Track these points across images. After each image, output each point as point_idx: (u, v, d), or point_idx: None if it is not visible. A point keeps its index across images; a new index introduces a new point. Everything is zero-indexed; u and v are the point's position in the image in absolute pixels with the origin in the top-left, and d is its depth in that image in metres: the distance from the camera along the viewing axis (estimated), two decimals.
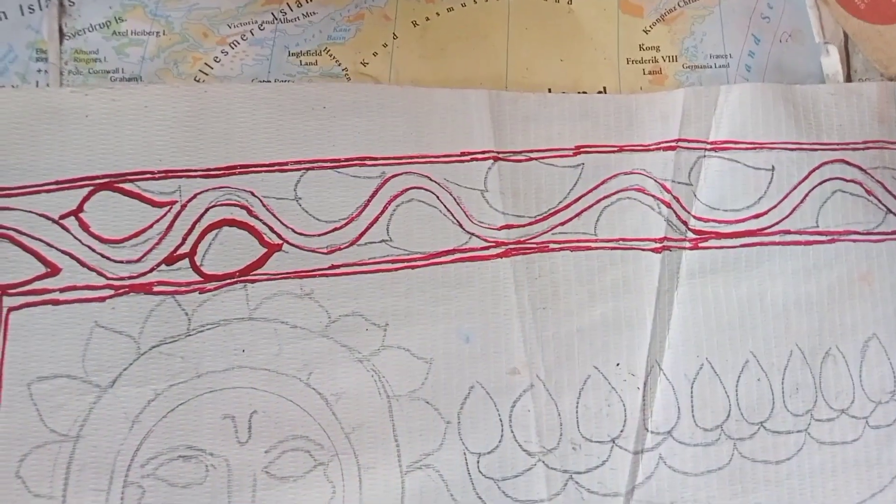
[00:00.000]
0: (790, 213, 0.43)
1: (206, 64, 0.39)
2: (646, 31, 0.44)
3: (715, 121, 0.42)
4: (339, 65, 0.40)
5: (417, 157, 0.39)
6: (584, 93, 0.42)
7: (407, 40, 0.41)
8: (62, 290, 0.36)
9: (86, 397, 0.35)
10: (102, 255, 0.36)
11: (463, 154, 0.40)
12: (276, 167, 0.38)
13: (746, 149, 0.42)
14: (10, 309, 0.35)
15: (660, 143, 0.42)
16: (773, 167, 0.43)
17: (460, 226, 0.39)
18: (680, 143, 0.42)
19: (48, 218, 0.36)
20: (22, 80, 0.38)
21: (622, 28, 0.43)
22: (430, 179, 0.39)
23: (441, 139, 0.40)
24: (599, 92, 0.42)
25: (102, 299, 0.36)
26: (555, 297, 0.40)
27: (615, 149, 0.42)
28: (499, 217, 0.40)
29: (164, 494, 0.35)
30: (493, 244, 0.39)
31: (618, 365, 0.40)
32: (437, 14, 0.42)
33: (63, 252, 0.36)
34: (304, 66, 0.40)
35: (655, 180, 0.42)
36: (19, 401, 0.35)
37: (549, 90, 0.42)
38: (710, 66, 0.44)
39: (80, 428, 0.35)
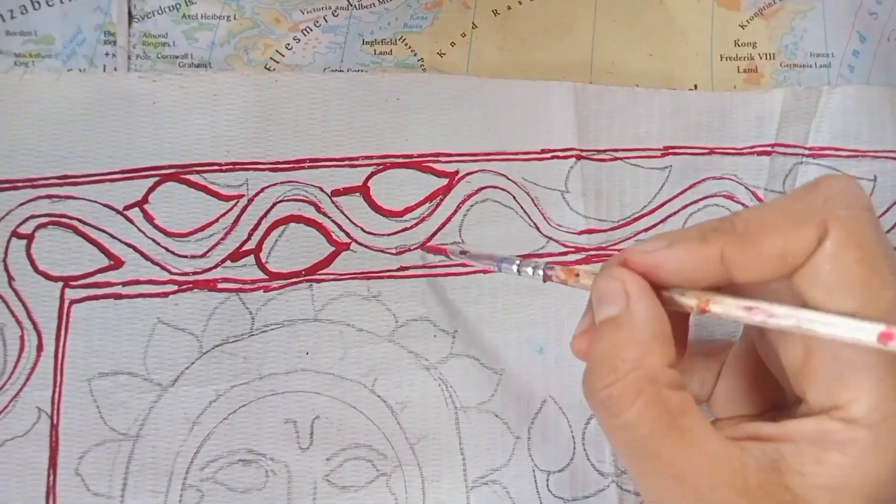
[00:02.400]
0: (890, 229, 0.39)
1: (277, 51, 0.37)
2: (742, 26, 0.40)
3: (815, 125, 0.38)
4: (415, 55, 0.38)
5: (494, 154, 0.36)
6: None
7: (487, 30, 0.38)
8: (125, 284, 0.34)
9: (146, 396, 0.33)
10: (167, 249, 0.34)
11: (543, 151, 0.37)
12: (347, 161, 0.35)
13: (847, 156, 0.38)
14: (73, 301, 0.34)
15: (754, 146, 0.38)
16: (875, 177, 0.39)
17: (537, 229, 0.36)
18: (776, 148, 0.38)
19: (112, 208, 0.34)
20: (89, 63, 0.36)
21: (717, 22, 0.40)
22: (507, 178, 0.36)
23: (520, 135, 0.36)
24: (690, 89, 0.39)
25: (166, 295, 0.34)
26: None
27: (705, 151, 0.38)
28: (579, 221, 0.36)
29: (222, 499, 0.33)
30: (573, 250, 0.36)
31: None
32: (520, 3, 0.38)
33: (127, 244, 0.34)
34: (378, 56, 0.37)
35: (746, 187, 0.38)
36: (80, 396, 0.33)
37: (637, 86, 0.38)
38: (811, 66, 0.40)
39: (140, 427, 0.33)
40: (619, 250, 0.37)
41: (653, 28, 0.39)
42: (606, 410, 0.23)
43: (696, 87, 0.39)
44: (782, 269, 0.23)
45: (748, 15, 0.40)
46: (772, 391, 0.28)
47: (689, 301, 0.24)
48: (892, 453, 0.22)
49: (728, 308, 0.23)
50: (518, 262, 0.29)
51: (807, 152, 0.38)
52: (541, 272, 0.28)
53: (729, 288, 0.24)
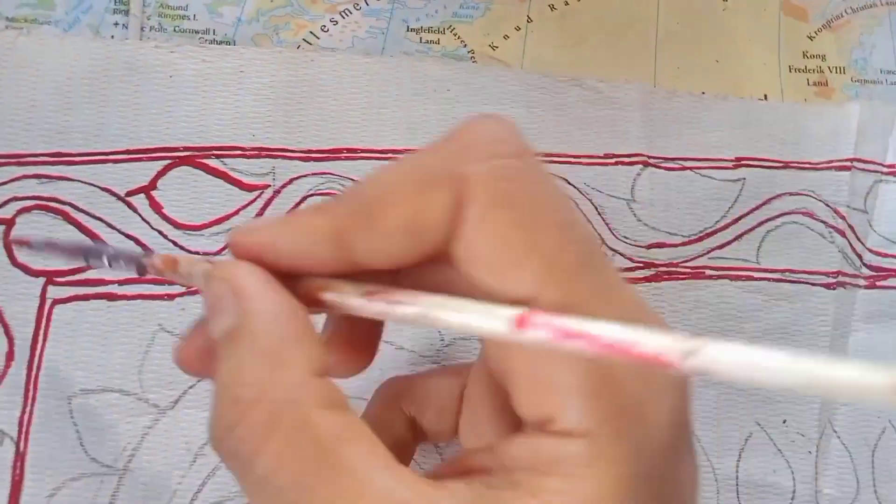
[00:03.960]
0: None
1: (311, 32, 0.32)
2: (810, 38, 0.37)
3: (892, 142, 0.35)
4: (465, 46, 0.33)
5: (554, 156, 0.32)
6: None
7: (543, 25, 0.34)
8: (121, 283, 0.28)
9: (139, 419, 0.27)
10: (175, 244, 0.28)
11: (607, 156, 0.32)
12: (390, 155, 0.30)
13: None
14: (56, 301, 0.27)
15: (831, 161, 0.34)
16: None
17: (602, 241, 0.31)
18: (855, 164, 0.34)
19: (113, 193, 0.28)
20: (95, 33, 0.31)
21: (784, 31, 0.36)
22: (568, 182, 0.32)
23: (582, 137, 0.32)
24: (760, 100, 0.35)
25: (171, 297, 0.28)
26: (711, 335, 0.31)
27: (780, 164, 0.34)
28: (648, 233, 0.32)
29: None
30: (641, 265, 0.31)
31: (784, 422, 0.31)
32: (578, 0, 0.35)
33: (127, 236, 0.28)
34: (423, 45, 0.33)
35: (826, 204, 0.34)
36: (55, 418, 0.27)
37: (703, 93, 0.34)
38: (881, 83, 0.37)
39: (130, 459, 0.27)
40: (691, 268, 0.32)
41: (718, 35, 0.36)
42: (237, 462, 0.16)
43: (765, 97, 0.35)
44: (415, 247, 0.17)
45: (816, 26, 0.37)
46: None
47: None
48: (617, 465, 0.16)
49: (345, 296, 0.17)
50: (111, 251, 0.21)
51: (885, 170, 0.34)
52: (134, 265, 0.21)
53: (384, 277, 0.18)
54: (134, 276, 0.22)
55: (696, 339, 0.14)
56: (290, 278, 0.18)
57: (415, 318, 0.17)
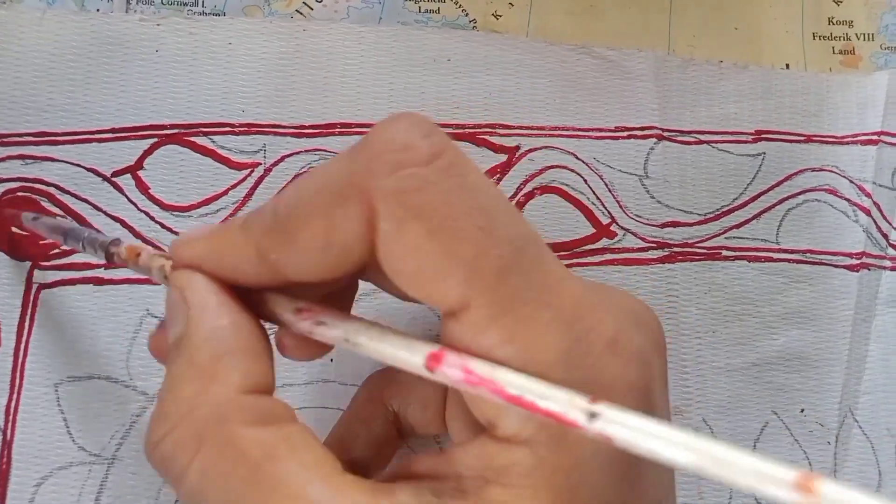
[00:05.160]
0: None
1: (304, 3, 0.30)
2: (837, 2, 0.34)
3: None
4: (467, 15, 0.31)
5: (561, 129, 0.30)
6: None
7: None
8: (108, 267, 0.27)
9: (128, 407, 0.26)
10: (162, 225, 0.27)
11: (618, 129, 0.30)
12: None
13: None
14: (42, 287, 0.26)
15: (857, 135, 0.32)
16: None
17: (613, 219, 0.30)
18: (882, 137, 0.32)
19: (98, 174, 0.27)
20: (80, 7, 0.29)
21: None
22: (576, 158, 0.30)
23: (592, 109, 0.30)
24: (781, 69, 0.33)
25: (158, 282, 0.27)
26: (726, 319, 0.30)
27: (802, 138, 0.32)
28: (661, 211, 0.30)
29: None
30: (654, 245, 0.30)
31: (802, 411, 0.30)
32: None
33: (113, 218, 0.27)
34: (423, 14, 0.31)
35: (851, 181, 0.32)
36: (42, 406, 0.26)
37: (722, 62, 0.32)
38: None
39: (118, 447, 0.26)
40: (708, 249, 0.30)
41: (737, 0, 0.33)
42: (167, 475, 0.16)
43: (787, 66, 0.33)
44: (338, 262, 0.17)
45: None
46: None
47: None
48: (558, 476, 0.16)
49: (280, 310, 0.18)
50: (86, 235, 0.22)
51: None
52: (103, 252, 0.21)
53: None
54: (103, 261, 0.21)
55: (598, 404, 0.14)
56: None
57: (336, 341, 0.17)
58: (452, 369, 0.16)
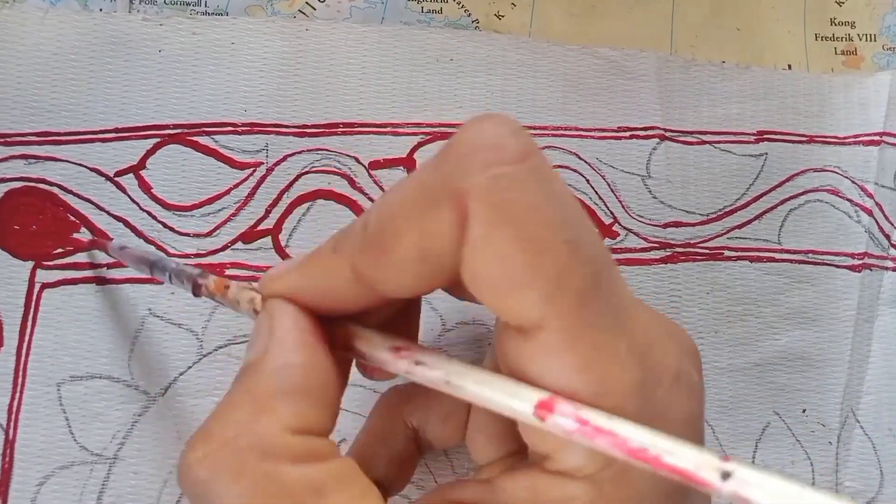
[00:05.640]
0: None
1: (307, 3, 0.30)
2: (839, 3, 0.34)
3: None
4: (469, 15, 0.31)
5: (563, 129, 0.30)
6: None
7: None
8: (110, 267, 0.27)
9: (129, 407, 0.26)
10: (165, 225, 0.27)
11: (620, 129, 0.30)
12: (389, 129, 0.29)
13: None
14: (45, 286, 0.26)
15: (858, 135, 0.32)
16: None
17: (615, 219, 0.30)
18: (884, 138, 0.32)
19: (101, 174, 0.27)
20: (83, 6, 0.29)
21: None
22: (579, 158, 0.30)
23: (594, 109, 0.30)
24: (783, 69, 0.33)
25: (161, 281, 0.27)
26: (728, 319, 0.30)
27: (804, 139, 0.32)
28: (664, 211, 0.30)
29: None
30: (657, 245, 0.30)
31: (804, 411, 0.30)
32: None
33: (116, 218, 0.27)
34: (425, 14, 0.31)
35: (853, 181, 0.32)
36: (44, 405, 0.26)
37: (724, 62, 0.32)
38: None
39: (119, 447, 0.26)
40: (710, 249, 0.30)
41: (739, 1, 0.33)
42: (198, 500, 0.16)
43: (789, 67, 0.33)
44: (432, 274, 0.16)
45: None
46: None
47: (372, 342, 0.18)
48: None
49: (374, 348, 0.17)
50: (175, 265, 0.22)
51: None
52: (190, 284, 0.21)
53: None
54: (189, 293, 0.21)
55: (729, 462, 0.13)
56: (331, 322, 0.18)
57: (435, 382, 0.16)
58: (565, 419, 0.15)
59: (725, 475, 0.13)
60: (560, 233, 0.15)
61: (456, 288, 0.17)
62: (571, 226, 0.16)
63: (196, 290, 0.20)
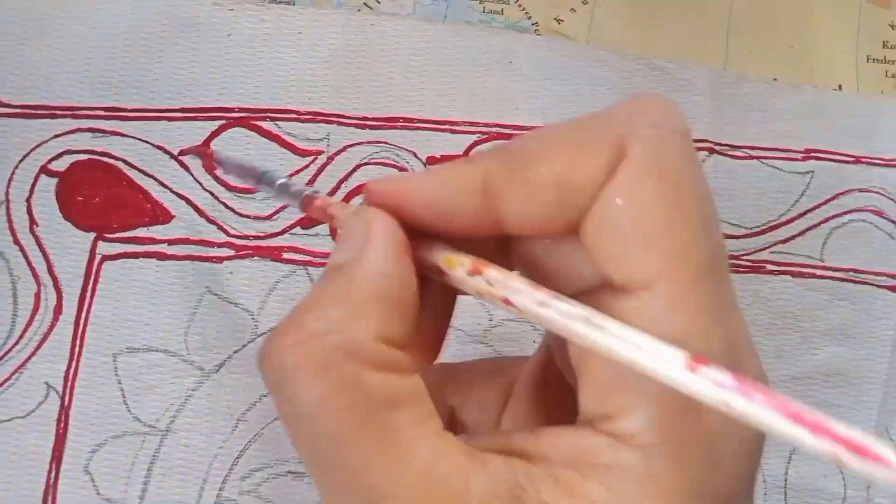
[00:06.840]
0: None
1: None
2: (893, 26, 0.34)
3: None
4: (529, 18, 0.32)
5: None
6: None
7: (611, 0, 0.32)
8: (171, 243, 0.27)
9: (183, 381, 0.26)
10: (226, 206, 0.28)
11: None
12: (447, 126, 0.29)
13: None
14: (105, 258, 0.27)
15: None
16: None
17: None
18: None
19: (166, 152, 0.28)
20: None
21: (865, 18, 0.34)
22: None
23: None
24: (834, 89, 0.33)
25: (219, 260, 0.27)
26: (768, 332, 0.30)
27: (851, 159, 0.32)
28: None
29: None
30: None
31: None
32: None
33: (179, 196, 0.28)
34: (487, 14, 0.32)
35: None
36: (100, 375, 0.26)
37: (775, 80, 0.32)
38: None
39: (172, 420, 0.26)
40: (753, 262, 0.30)
41: (794, 19, 0.34)
42: (277, 387, 0.16)
43: (840, 87, 0.33)
44: (562, 209, 0.16)
45: None
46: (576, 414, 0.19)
47: (461, 262, 0.17)
48: (670, 496, 0.15)
49: (510, 279, 0.16)
50: (283, 180, 0.21)
51: None
52: (297, 201, 0.20)
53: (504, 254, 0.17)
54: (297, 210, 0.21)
55: None
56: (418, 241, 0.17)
57: (573, 318, 0.15)
58: (721, 374, 0.13)
59: None
60: (699, 208, 0.16)
61: (553, 253, 0.17)
62: (708, 209, 0.16)
63: (306, 207, 0.20)
